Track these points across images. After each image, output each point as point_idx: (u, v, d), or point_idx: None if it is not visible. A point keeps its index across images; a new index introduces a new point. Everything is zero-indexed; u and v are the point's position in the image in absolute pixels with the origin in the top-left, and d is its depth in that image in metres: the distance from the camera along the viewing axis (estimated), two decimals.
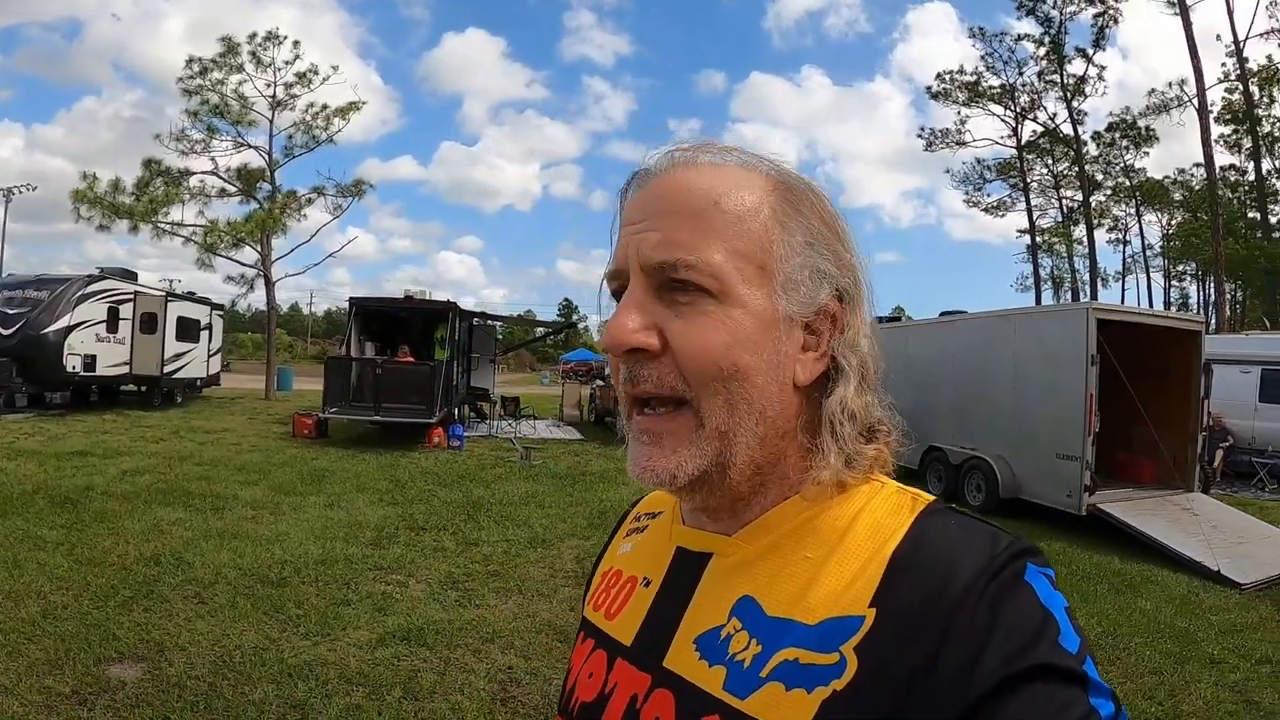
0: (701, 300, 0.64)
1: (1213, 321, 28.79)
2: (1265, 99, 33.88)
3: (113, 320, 17.46)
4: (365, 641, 4.63)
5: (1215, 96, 33.54)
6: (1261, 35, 31.96)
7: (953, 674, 0.53)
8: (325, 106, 24.80)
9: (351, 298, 16.92)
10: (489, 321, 21.18)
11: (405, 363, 15.59)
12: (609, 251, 0.75)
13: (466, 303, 17.29)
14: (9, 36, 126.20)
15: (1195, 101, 30.88)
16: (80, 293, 16.44)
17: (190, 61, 23.06)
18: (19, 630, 4.44)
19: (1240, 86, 32.93)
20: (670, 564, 0.76)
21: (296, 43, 24.69)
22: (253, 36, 24.01)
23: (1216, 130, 33.37)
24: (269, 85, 24.46)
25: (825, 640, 0.59)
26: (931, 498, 0.67)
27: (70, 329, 16.02)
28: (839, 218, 0.71)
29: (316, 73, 24.92)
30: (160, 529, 6.93)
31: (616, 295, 0.69)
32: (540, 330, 27.78)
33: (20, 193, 42.18)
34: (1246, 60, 32.20)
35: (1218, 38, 33.37)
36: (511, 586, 5.96)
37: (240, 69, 23.80)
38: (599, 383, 22.23)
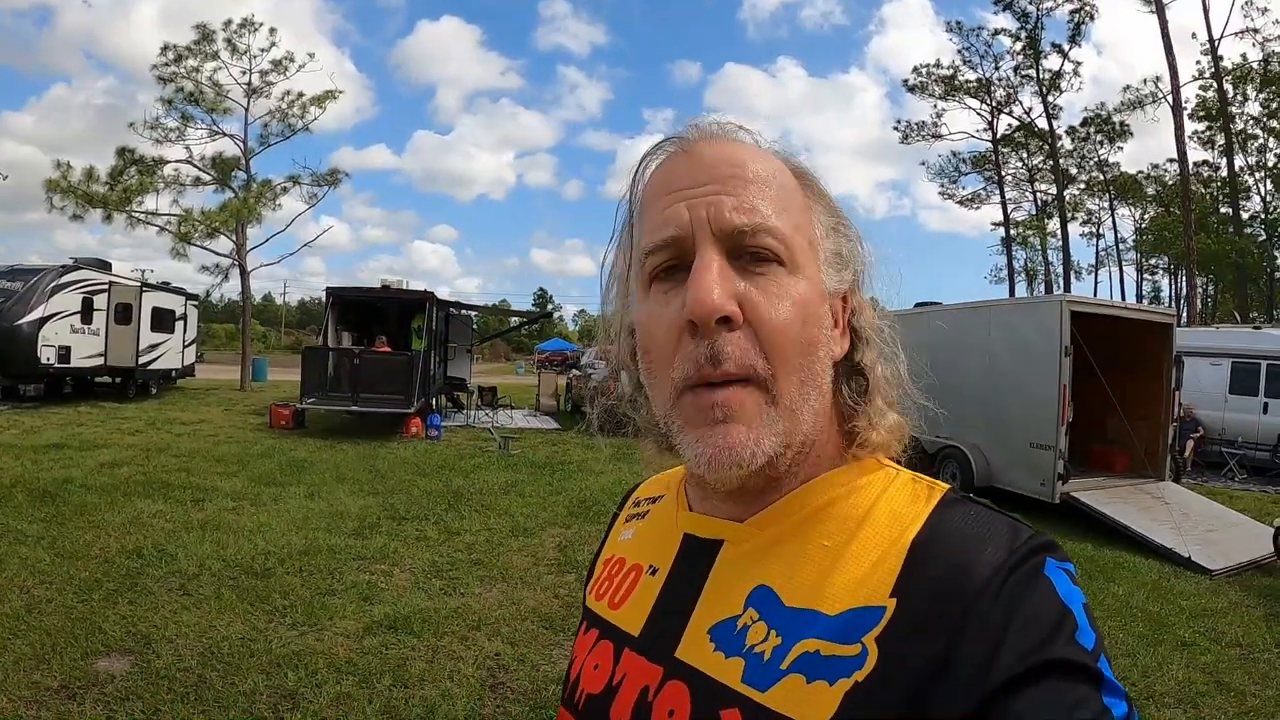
0: (774, 270, 0.63)
1: (1184, 315, 29.21)
2: (1239, 97, 34.40)
3: (87, 311, 17.14)
4: (352, 631, 4.64)
5: (1190, 93, 34.00)
6: (1236, 34, 32.51)
7: (970, 666, 0.52)
8: (301, 94, 24.57)
9: (328, 287, 16.70)
10: (465, 311, 21.07)
11: (383, 353, 15.47)
12: (613, 235, 0.74)
13: (441, 292, 17.16)
14: None
15: (1170, 98, 31.19)
16: (54, 283, 16.12)
17: (165, 49, 22.76)
18: (3, 625, 4.40)
19: (1214, 84, 33.34)
20: (678, 552, 0.74)
21: (273, 30, 24.45)
22: (228, 23, 23.72)
23: (1190, 127, 33.85)
24: (244, 73, 24.19)
25: (847, 631, 0.58)
26: (947, 486, 0.66)
27: (44, 320, 15.72)
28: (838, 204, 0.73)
29: (293, 60, 24.68)
30: (141, 521, 6.87)
31: (661, 271, 0.66)
32: (515, 320, 27.59)
33: None
34: (1221, 59, 32.61)
35: (1193, 35, 33.80)
36: (495, 575, 5.99)
37: (215, 56, 23.52)
38: (575, 372, 22.23)
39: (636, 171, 0.71)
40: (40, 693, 3.68)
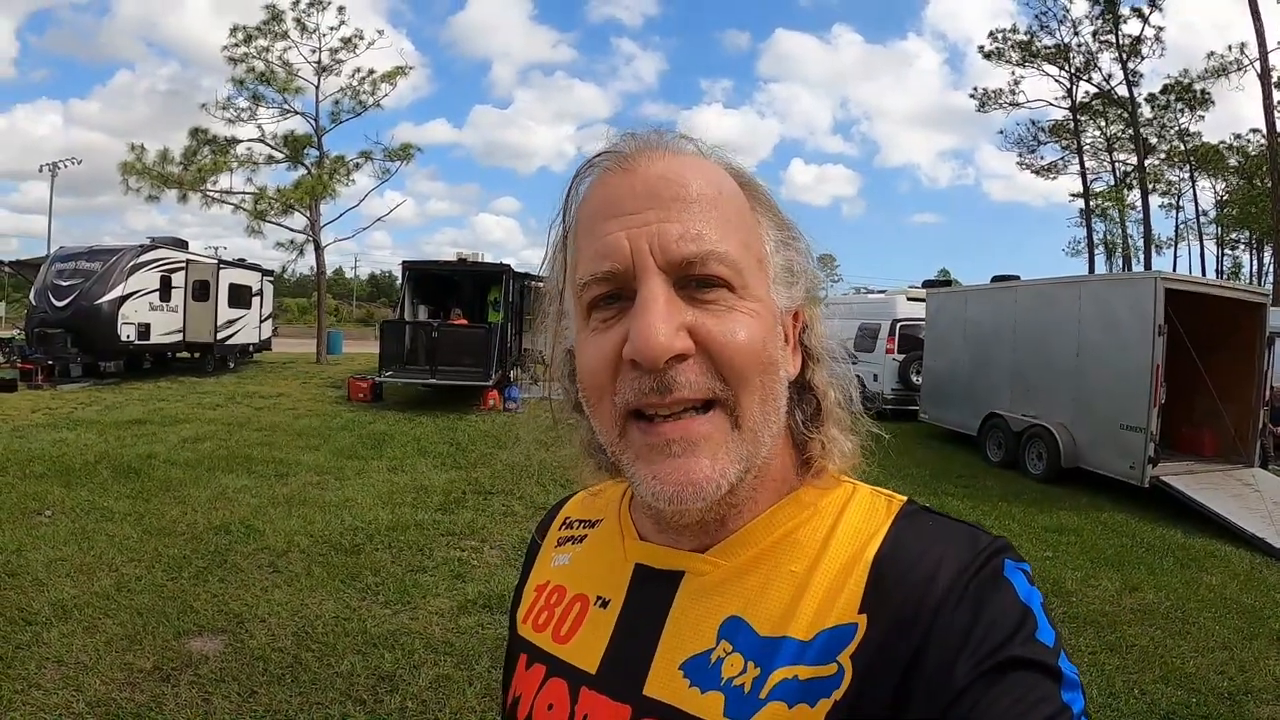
0: (725, 294, 0.60)
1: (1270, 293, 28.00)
2: None
3: (165, 289, 17.71)
4: (447, 609, 4.65)
5: (1276, 60, 32.30)
6: None
7: (939, 669, 0.53)
8: (372, 71, 24.85)
9: (404, 261, 17.10)
10: (539, 283, 21.24)
11: (461, 325, 15.67)
12: (551, 253, 0.72)
13: (509, 264, 17.51)
14: (41, 19, 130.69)
15: (1256, 65, 29.69)
16: (133, 263, 16.67)
17: (235, 29, 23.15)
18: (94, 605, 4.42)
19: None
20: (630, 583, 0.71)
21: (341, 8, 24.63)
22: (296, 2, 23.95)
23: (1278, 95, 32.17)
24: (314, 51, 24.44)
25: (823, 653, 0.58)
26: (904, 499, 0.67)
27: (124, 299, 16.27)
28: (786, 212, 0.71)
29: (361, 37, 24.90)
30: (226, 496, 7.00)
31: (600, 300, 0.62)
32: None
33: (66, 166, 42.13)
34: None
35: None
36: None
37: (285, 35, 23.82)
38: None
39: (570, 188, 0.68)
40: (133, 674, 3.68)
